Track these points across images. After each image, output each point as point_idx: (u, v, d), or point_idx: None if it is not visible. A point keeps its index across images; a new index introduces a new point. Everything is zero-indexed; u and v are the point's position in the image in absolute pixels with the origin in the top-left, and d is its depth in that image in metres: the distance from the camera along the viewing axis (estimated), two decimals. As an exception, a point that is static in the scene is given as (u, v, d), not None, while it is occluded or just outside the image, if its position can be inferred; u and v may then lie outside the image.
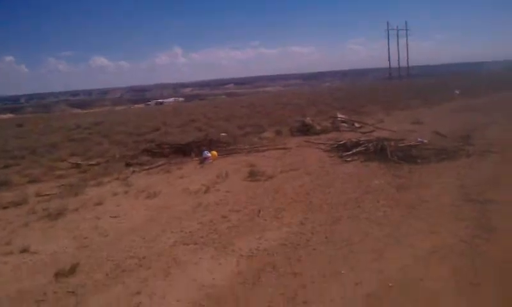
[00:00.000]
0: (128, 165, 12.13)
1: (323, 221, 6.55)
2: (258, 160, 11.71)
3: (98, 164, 12.60)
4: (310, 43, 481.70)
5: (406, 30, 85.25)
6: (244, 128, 18.33)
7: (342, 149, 12.11)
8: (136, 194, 8.90)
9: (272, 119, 21.38)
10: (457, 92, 29.13)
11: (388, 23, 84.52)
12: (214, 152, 12.31)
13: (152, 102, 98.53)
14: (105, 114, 39.66)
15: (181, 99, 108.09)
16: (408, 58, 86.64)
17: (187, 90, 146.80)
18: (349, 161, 10.88)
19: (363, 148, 11.78)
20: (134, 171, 11.14)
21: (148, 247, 5.93)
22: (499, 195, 7.36)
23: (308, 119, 16.79)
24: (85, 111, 71.14)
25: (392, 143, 12.18)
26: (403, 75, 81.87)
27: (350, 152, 11.56)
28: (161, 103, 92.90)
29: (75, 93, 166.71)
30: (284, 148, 13.24)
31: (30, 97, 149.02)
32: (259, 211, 7.13)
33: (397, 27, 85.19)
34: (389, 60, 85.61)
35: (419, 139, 12.79)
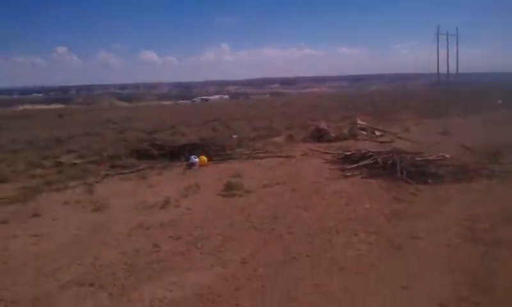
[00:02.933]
0: (113, 166, 11.12)
1: (272, 260, 5.14)
2: (249, 169, 10.46)
3: (81, 164, 11.59)
4: (358, 45, 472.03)
5: (457, 36, 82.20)
6: (259, 131, 17.14)
7: (347, 161, 10.61)
8: (86, 204, 7.73)
9: (293, 121, 20.08)
10: (499, 101, 26.91)
11: (438, 27, 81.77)
12: (203, 157, 11.09)
13: (198, 99, 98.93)
14: (140, 110, 39.54)
15: (226, 96, 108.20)
16: (457, 65, 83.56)
17: (233, 88, 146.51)
18: (348, 176, 9.39)
19: (370, 161, 10.24)
20: (106, 175, 10.06)
21: (35, 284, 4.69)
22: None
23: (322, 125, 15.33)
24: (131, 104, 72.50)
25: (408, 157, 10.65)
26: (451, 82, 78.75)
27: (354, 165, 10.06)
28: (207, 100, 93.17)
29: (123, 87, 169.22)
30: (286, 156, 11.88)
31: (80, 88, 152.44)
32: (199, 241, 5.75)
33: (447, 32, 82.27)
34: (437, 66, 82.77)
35: (440, 154, 11.14)
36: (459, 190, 8.14)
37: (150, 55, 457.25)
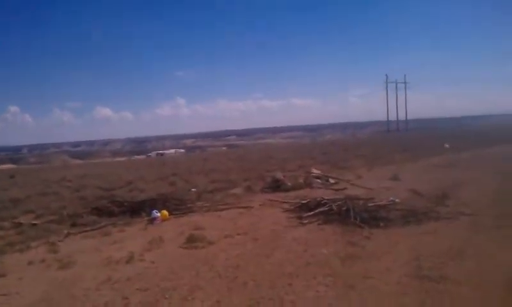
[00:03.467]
0: (74, 225, 11.16)
1: (238, 305, 5.44)
2: (210, 221, 10.74)
3: (41, 223, 11.55)
4: (311, 96, 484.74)
5: (405, 83, 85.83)
6: (218, 183, 17.44)
7: (304, 209, 11.07)
8: (52, 263, 7.82)
9: (250, 173, 20.49)
10: (446, 146, 28.45)
11: (386, 76, 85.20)
12: (165, 212, 11.30)
13: (153, 153, 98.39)
14: (94, 167, 39.08)
15: (182, 150, 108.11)
16: (406, 112, 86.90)
17: (189, 141, 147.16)
18: (305, 223, 9.84)
19: (326, 208, 10.75)
20: (69, 234, 10.10)
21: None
22: (458, 271, 6.34)
23: (279, 175, 15.84)
24: (83, 162, 71.22)
25: (361, 203, 11.28)
26: (401, 129, 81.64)
27: (311, 213, 10.53)
28: (162, 154, 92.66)
29: (77, 144, 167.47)
30: (245, 207, 12.22)
31: (33, 148, 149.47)
32: (167, 292, 6.00)
33: (396, 80, 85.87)
34: (387, 113, 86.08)
35: (391, 198, 11.85)
36: (410, 232, 8.71)
37: (105, 112, 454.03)
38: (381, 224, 9.42)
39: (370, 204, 11.18)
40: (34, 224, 11.55)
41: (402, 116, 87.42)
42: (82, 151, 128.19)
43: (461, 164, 19.66)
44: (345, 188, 14.43)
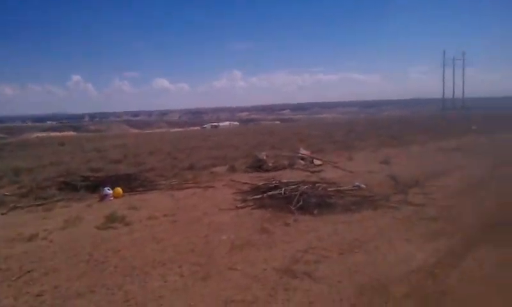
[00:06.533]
0: (37, 198, 11.42)
1: (75, 290, 5.39)
2: (157, 200, 10.79)
3: (10, 195, 11.90)
4: (371, 71, 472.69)
5: (463, 60, 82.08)
6: (212, 160, 17.40)
7: (256, 192, 10.83)
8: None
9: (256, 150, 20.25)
10: (474, 127, 26.99)
11: (444, 52, 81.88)
12: (118, 189, 11.34)
13: (208, 125, 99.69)
14: (142, 137, 40.03)
15: (236, 123, 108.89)
16: (463, 89, 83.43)
17: (244, 114, 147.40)
18: (240, 207, 9.65)
19: (276, 192, 10.44)
20: (15, 207, 10.34)
21: None
22: (332, 267, 6.05)
23: (262, 155, 15.56)
24: (142, 131, 73.49)
25: (321, 187, 10.95)
26: (457, 107, 78.36)
27: (258, 196, 10.30)
28: (216, 126, 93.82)
29: (136, 114, 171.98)
30: (207, 187, 12.09)
31: (94, 116, 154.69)
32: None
33: (454, 57, 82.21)
34: (443, 91, 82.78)
35: (356, 184, 11.44)
36: (337, 220, 8.40)
37: (163, 83, 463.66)
38: (315, 211, 9.05)
39: (329, 189, 10.83)
40: (5, 195, 11.90)
41: (465, 94, 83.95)
42: (141, 120, 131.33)
43: (470, 148, 18.60)
44: (321, 171, 14.05)
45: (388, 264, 6.15)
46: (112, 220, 8.63)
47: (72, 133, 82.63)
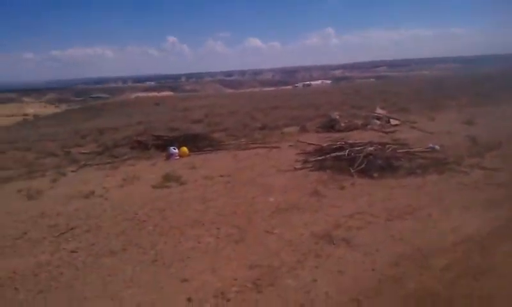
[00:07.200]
0: (110, 156, 11.95)
1: (101, 249, 5.53)
2: (220, 160, 10.85)
3: (88, 153, 12.54)
4: (470, 24, 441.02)
5: None
6: (286, 120, 17.21)
7: (320, 153, 10.48)
8: (34, 193, 8.42)
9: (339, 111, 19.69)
10: None
11: None
12: (184, 148, 11.52)
13: (300, 84, 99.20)
14: (234, 97, 40.59)
15: (328, 81, 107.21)
16: None
17: (338, 72, 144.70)
18: (299, 168, 9.40)
19: (340, 153, 10.02)
20: (84, 165, 10.86)
21: None
22: (370, 235, 5.66)
23: (335, 115, 15.04)
24: (236, 91, 74.94)
25: (390, 149, 10.34)
26: None
27: (321, 157, 9.94)
28: (309, 85, 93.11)
29: (230, 74, 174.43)
30: (272, 147, 11.92)
31: (190, 76, 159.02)
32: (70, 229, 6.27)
33: None
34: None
35: (430, 145, 10.73)
36: (396, 185, 7.97)
37: (255, 42, 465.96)
38: (375, 174, 8.59)
39: (399, 151, 10.23)
40: (83, 153, 12.57)
41: None
42: (234, 80, 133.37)
43: None
44: (396, 131, 13.28)
45: (436, 233, 5.68)
46: (168, 179, 8.76)
47: (169, 93, 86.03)
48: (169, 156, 11.20)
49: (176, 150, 11.33)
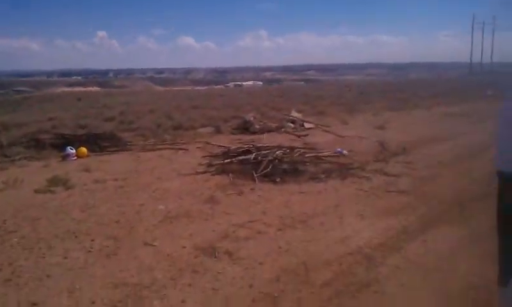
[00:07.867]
0: (3, 155, 10.92)
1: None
2: (119, 162, 10.17)
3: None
4: (398, 33, 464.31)
5: (493, 25, 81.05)
6: (204, 120, 16.63)
7: (227, 156, 10.10)
8: None
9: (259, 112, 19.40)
10: (489, 93, 25.52)
11: (473, 16, 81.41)
12: (83, 149, 10.74)
13: (231, 84, 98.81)
14: (158, 94, 39.32)
15: (260, 83, 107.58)
16: (492, 54, 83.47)
17: (269, 74, 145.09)
18: (200, 172, 8.95)
19: (246, 157, 9.69)
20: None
21: None
22: (255, 246, 5.26)
23: (249, 117, 14.74)
24: (165, 89, 73.19)
25: (298, 153, 10.15)
26: (485, 71, 76.88)
27: (226, 161, 9.58)
28: (240, 85, 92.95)
29: (160, 71, 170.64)
30: (179, 149, 11.44)
31: (119, 72, 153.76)
32: None
33: (484, 22, 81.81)
34: (471, 55, 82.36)
35: (337, 150, 10.63)
36: (295, 190, 7.71)
37: (188, 41, 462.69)
38: (277, 179, 8.32)
39: (307, 155, 10.07)
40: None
41: (495, 59, 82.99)
42: (165, 78, 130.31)
43: (477, 114, 17.32)
44: (308, 135, 13.16)
45: (325, 244, 5.39)
46: (54, 183, 8.01)
47: (96, 88, 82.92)
48: (66, 157, 10.39)
49: (74, 150, 10.55)
